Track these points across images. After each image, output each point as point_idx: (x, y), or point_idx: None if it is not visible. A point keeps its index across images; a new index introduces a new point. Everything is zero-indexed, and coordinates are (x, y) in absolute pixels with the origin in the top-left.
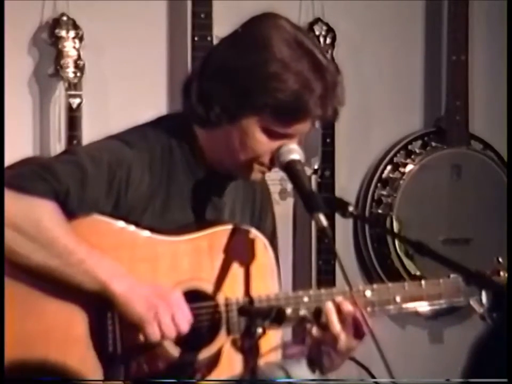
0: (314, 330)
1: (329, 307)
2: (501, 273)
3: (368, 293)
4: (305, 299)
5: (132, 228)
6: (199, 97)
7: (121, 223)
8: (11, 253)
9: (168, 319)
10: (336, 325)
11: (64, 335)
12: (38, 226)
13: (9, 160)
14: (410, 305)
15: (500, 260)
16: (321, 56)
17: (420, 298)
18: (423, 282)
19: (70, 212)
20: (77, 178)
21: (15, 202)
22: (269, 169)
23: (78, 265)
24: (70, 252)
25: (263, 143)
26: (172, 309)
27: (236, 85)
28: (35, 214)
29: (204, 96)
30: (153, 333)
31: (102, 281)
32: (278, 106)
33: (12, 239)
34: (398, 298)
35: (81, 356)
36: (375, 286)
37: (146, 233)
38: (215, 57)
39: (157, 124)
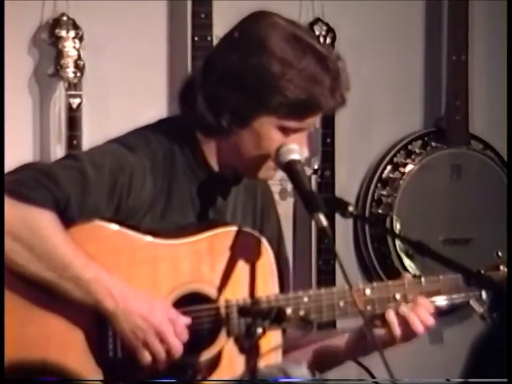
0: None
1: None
2: (501, 267)
3: (367, 291)
4: (305, 299)
5: (132, 232)
6: (208, 106)
7: (121, 228)
8: (9, 261)
9: (158, 346)
10: (397, 331)
11: (65, 340)
12: (35, 236)
13: (9, 160)
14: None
15: (500, 254)
16: (320, 46)
17: (419, 296)
18: (422, 279)
19: (71, 219)
20: (78, 186)
21: (14, 210)
22: None
23: (73, 280)
24: (65, 266)
25: (278, 141)
26: (162, 335)
27: (245, 90)
28: (33, 224)
29: (213, 104)
30: (144, 358)
31: (95, 299)
32: (291, 104)
33: (10, 248)
34: (397, 296)
35: (81, 360)
36: (374, 284)
37: (146, 236)
38: (216, 64)
39: (158, 127)
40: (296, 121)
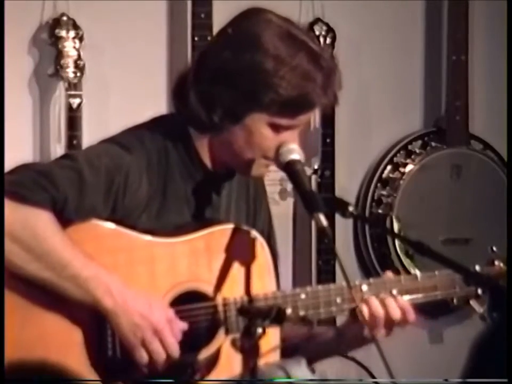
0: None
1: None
2: (496, 262)
3: (364, 288)
4: (303, 296)
5: (129, 231)
6: (201, 102)
7: (118, 227)
8: (7, 262)
9: (156, 344)
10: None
11: (64, 340)
12: (34, 237)
13: (9, 160)
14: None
15: (494, 249)
16: (314, 44)
17: (416, 291)
18: (418, 275)
19: (68, 218)
20: (75, 187)
21: (12, 211)
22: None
23: (71, 279)
24: (64, 265)
25: (269, 138)
26: (160, 333)
27: (238, 86)
28: (31, 224)
29: (206, 100)
30: (141, 357)
31: (93, 297)
32: (283, 101)
33: (9, 250)
34: (394, 292)
35: (80, 360)
36: (371, 280)
37: (143, 236)
38: (210, 61)
39: (152, 125)
40: (288, 119)
